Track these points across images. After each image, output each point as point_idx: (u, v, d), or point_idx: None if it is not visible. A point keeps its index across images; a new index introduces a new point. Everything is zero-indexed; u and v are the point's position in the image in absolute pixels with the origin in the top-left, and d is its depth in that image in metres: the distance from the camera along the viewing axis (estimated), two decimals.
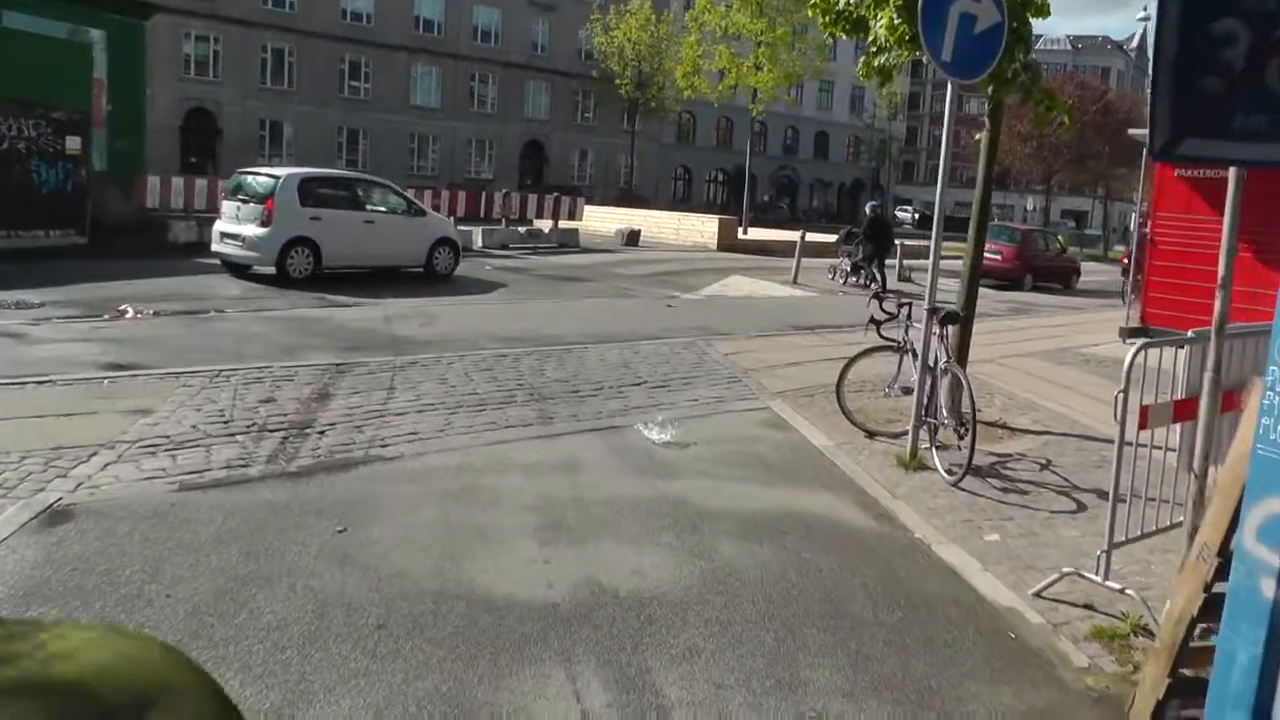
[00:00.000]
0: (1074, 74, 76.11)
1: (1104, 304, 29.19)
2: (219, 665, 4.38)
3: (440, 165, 65.17)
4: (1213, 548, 4.19)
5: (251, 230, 18.98)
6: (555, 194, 36.83)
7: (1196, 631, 4.27)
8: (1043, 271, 32.65)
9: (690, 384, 11.66)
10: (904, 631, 5.39)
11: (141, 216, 25.28)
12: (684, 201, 75.00)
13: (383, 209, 21.29)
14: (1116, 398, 5.88)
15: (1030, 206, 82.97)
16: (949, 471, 8.47)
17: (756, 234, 42.64)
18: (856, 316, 19.12)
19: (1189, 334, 6.41)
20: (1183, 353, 6.40)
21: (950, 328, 9.30)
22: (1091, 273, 39.24)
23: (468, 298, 19.29)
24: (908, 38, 9.24)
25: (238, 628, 4.82)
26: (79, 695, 0.87)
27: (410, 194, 23.97)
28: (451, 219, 26.66)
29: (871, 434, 9.79)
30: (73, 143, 21.90)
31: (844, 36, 10.32)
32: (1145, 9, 64.29)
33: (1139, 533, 6.15)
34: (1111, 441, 10.05)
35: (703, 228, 39.73)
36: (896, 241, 30.35)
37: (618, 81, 64.67)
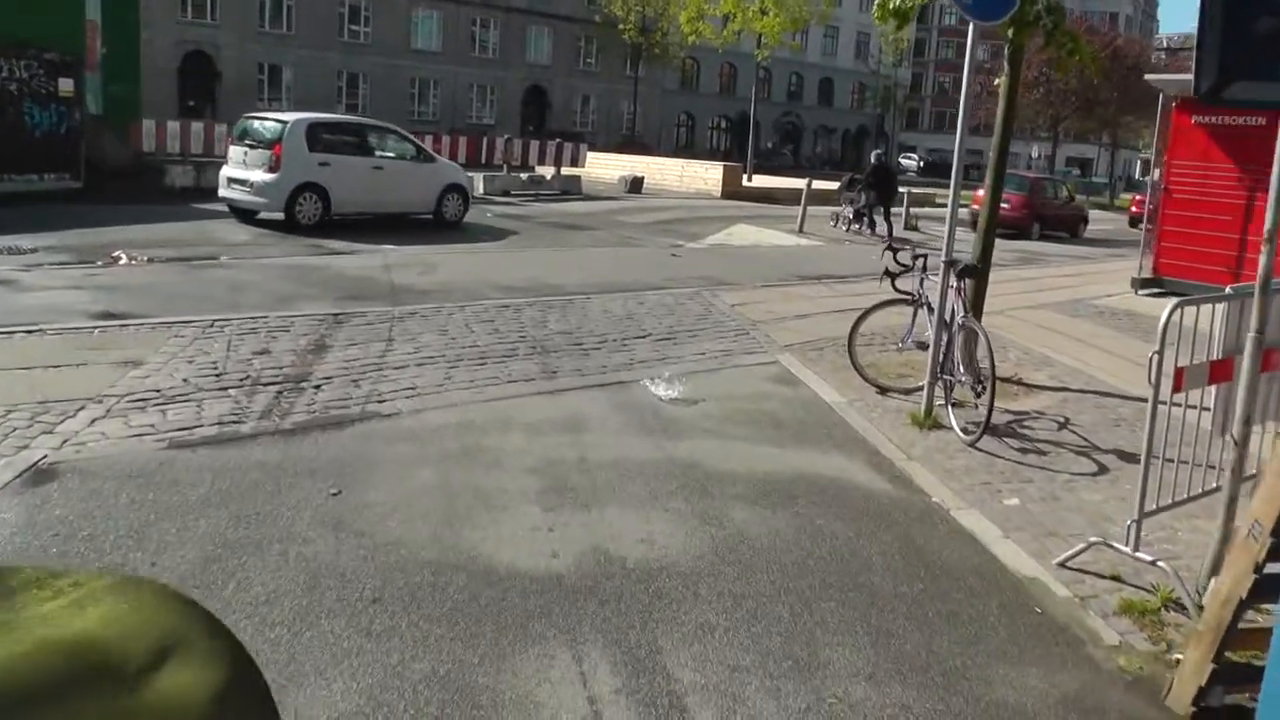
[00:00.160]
0: (1082, 19, 75.14)
1: (1112, 253, 28.86)
2: None
3: (441, 110, 64.49)
4: (1265, 526, 3.93)
5: (259, 176, 18.71)
6: (558, 140, 36.33)
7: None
8: (1051, 220, 32.27)
9: (696, 337, 11.37)
10: (925, 605, 5.14)
11: (137, 161, 24.93)
12: (687, 148, 74.41)
13: (392, 155, 21.02)
14: (1151, 359, 5.54)
15: (1035, 154, 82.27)
16: (965, 430, 8.20)
17: (761, 181, 42.20)
18: (864, 266, 18.96)
19: (1227, 290, 6.06)
20: (1219, 310, 6.03)
21: (966, 281, 8.99)
22: (1098, 221, 38.78)
23: (469, 245, 18.97)
24: None
25: (225, 601, 4.55)
26: (98, 642, 0.87)
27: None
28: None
29: (884, 390, 9.51)
30: (65, 85, 21.50)
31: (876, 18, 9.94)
32: None
33: (1169, 500, 5.86)
34: (1130, 399, 9.95)
35: (706, 175, 39.31)
36: (902, 190, 30.02)
37: (621, 26, 64.00)
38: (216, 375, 8.37)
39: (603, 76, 72.96)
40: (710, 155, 65.27)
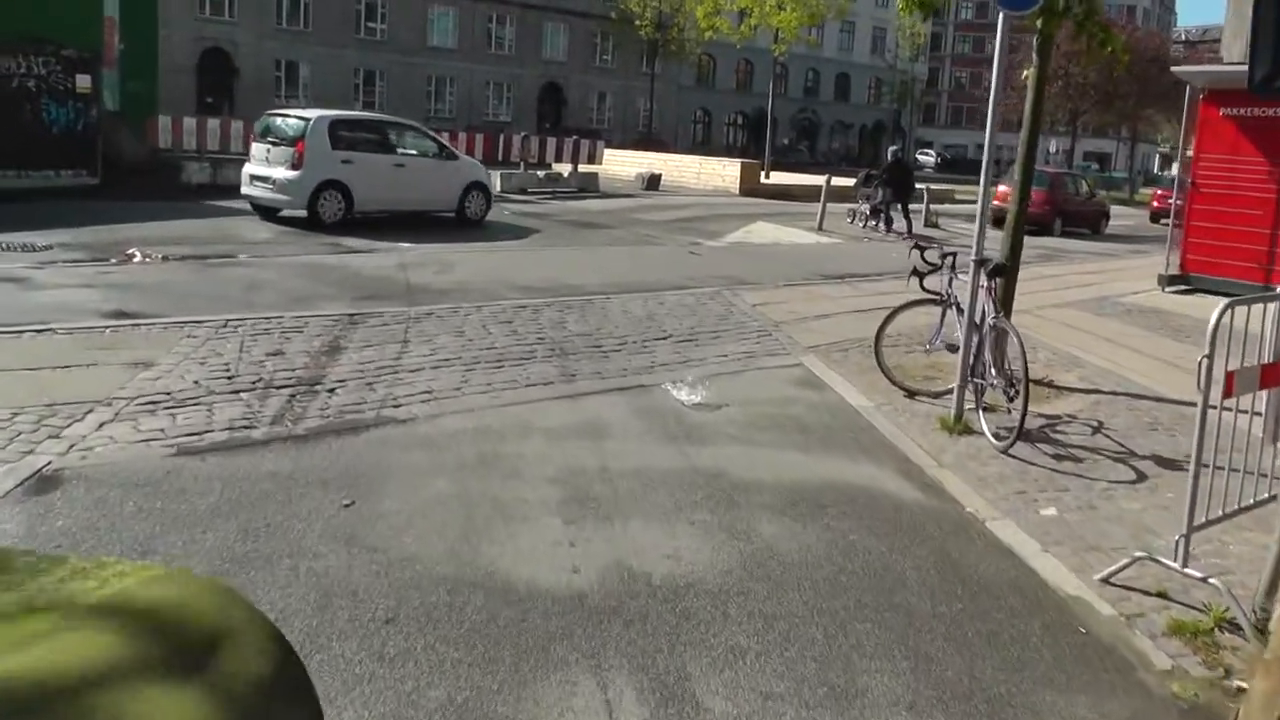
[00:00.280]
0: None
1: (1135, 249, 28.60)
2: None
3: (458, 107, 64.41)
4: None
5: (282, 173, 18.61)
6: (574, 137, 36.09)
7: None
8: (1072, 216, 31.94)
9: (719, 338, 11.14)
10: (965, 626, 4.89)
11: (154, 157, 24.85)
12: (703, 145, 74.17)
13: (414, 152, 20.95)
14: (1200, 364, 5.27)
15: (1054, 148, 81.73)
16: (996, 436, 7.94)
17: (779, 178, 41.94)
18: (885, 265, 18.73)
19: (1279, 289, 5.79)
20: (1270, 310, 5.76)
21: (997, 280, 8.73)
22: (1119, 217, 38.43)
23: (486, 244, 18.76)
24: None
25: None
26: (149, 630, 0.90)
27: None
28: None
29: (911, 393, 9.26)
30: (83, 81, 21.41)
31: None
32: None
33: (1220, 513, 5.59)
34: (1165, 401, 9.69)
35: (724, 172, 39.05)
36: (921, 186, 29.74)
37: (637, 23, 63.75)
38: (228, 377, 8.17)
39: (619, 73, 72.77)
40: (727, 152, 64.95)
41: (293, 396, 7.81)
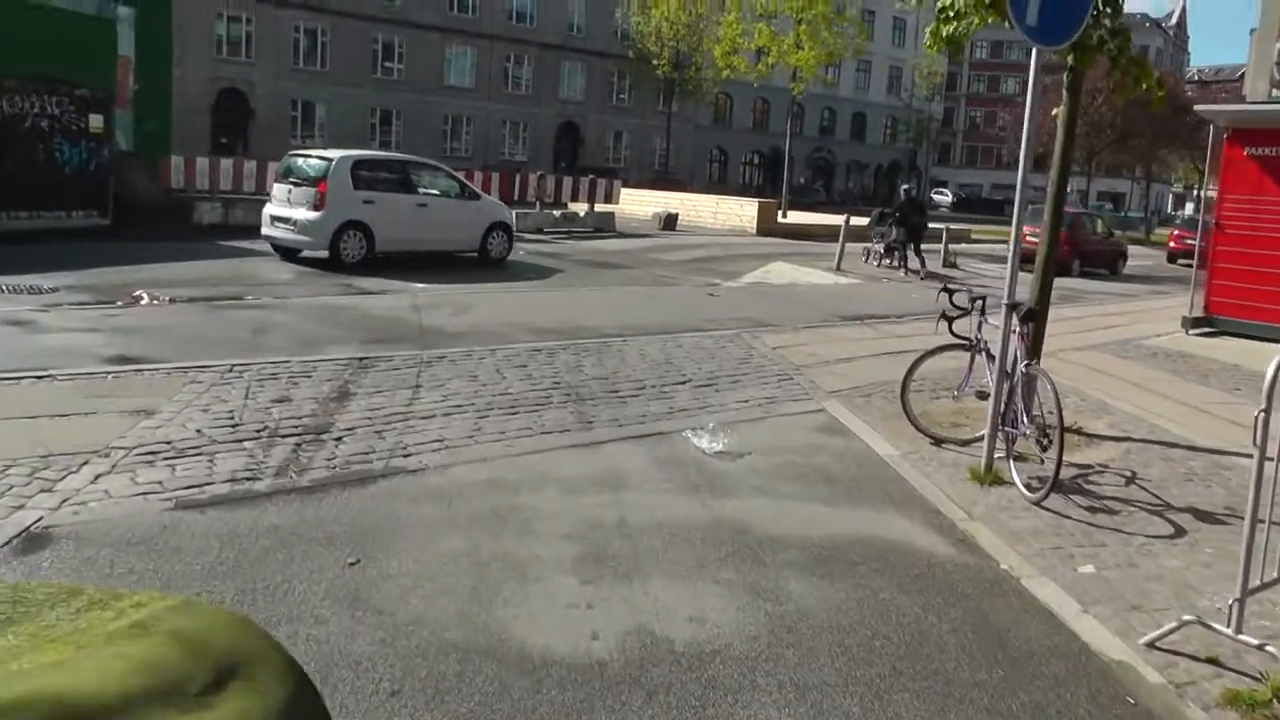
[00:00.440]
0: None
1: (1155, 290, 28.31)
2: None
3: (474, 147, 64.43)
4: None
5: (303, 214, 18.45)
6: (591, 176, 36.02)
7: None
8: (1090, 256, 31.61)
9: (739, 383, 10.86)
10: (1007, 696, 4.58)
11: (167, 197, 24.72)
12: (719, 184, 74.12)
13: (436, 192, 20.79)
14: (1256, 419, 4.97)
15: (1069, 188, 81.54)
16: (1028, 487, 7.63)
17: (796, 217, 41.73)
18: (905, 306, 18.48)
19: None
20: None
21: (1029, 325, 8.43)
22: (1136, 257, 38.06)
23: (502, 285, 18.55)
24: (988, 2, 8.38)
25: None
26: (164, 661, 0.90)
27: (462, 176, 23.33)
28: None
29: (938, 441, 8.97)
30: (95, 121, 21.28)
31: (914, 4, 9.47)
32: None
33: (1276, 575, 5.27)
34: (1198, 450, 9.37)
35: (741, 211, 38.86)
36: (941, 226, 29.55)
37: (655, 62, 63.79)
38: (232, 426, 7.91)
39: (635, 112, 72.85)
40: (742, 191, 64.95)
41: (298, 445, 7.55)
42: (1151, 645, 5.20)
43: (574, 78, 70.77)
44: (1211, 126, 17.79)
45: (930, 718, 4.33)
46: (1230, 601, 5.03)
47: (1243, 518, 7.28)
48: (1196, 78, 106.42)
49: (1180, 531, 7.07)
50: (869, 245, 28.24)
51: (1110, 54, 8.92)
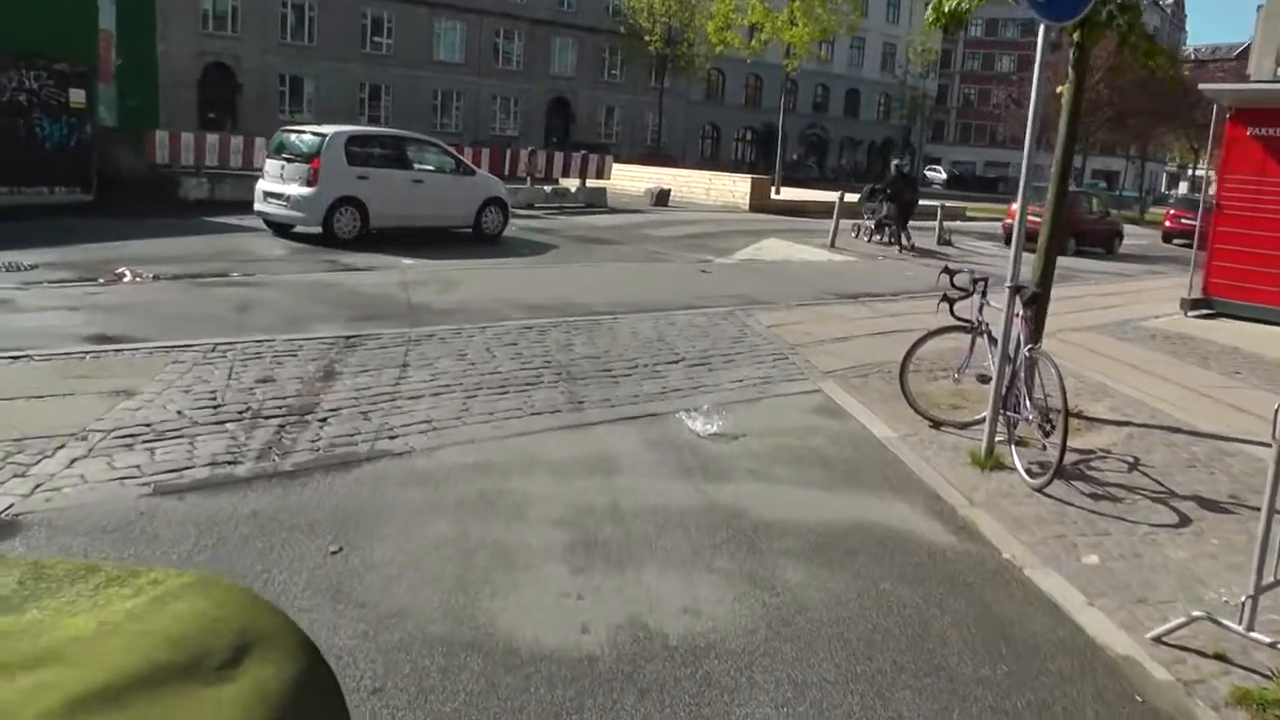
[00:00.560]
0: None
1: (1151, 270, 28.16)
2: None
3: (464, 122, 63.98)
4: None
5: (296, 190, 18.30)
6: (582, 152, 35.70)
7: None
8: (1086, 235, 31.40)
9: (733, 362, 10.66)
10: (1012, 694, 4.41)
11: (152, 173, 24.43)
12: (711, 160, 73.84)
13: (430, 167, 20.68)
14: (1277, 413, 4.77)
15: None
16: (1029, 472, 7.46)
17: (789, 194, 41.51)
18: (900, 284, 18.30)
19: None
20: None
21: (1032, 308, 8.23)
22: (1131, 236, 37.80)
23: (492, 261, 18.28)
24: None
25: None
26: (184, 636, 0.93)
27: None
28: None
29: (937, 423, 8.78)
30: (77, 96, 20.97)
31: None
32: None
33: None
34: (1200, 435, 9.20)
35: (734, 187, 38.61)
36: (936, 203, 29.36)
37: (646, 38, 63.37)
38: (214, 407, 7.69)
39: (627, 88, 72.44)
40: (735, 167, 64.50)
41: (282, 427, 7.34)
42: (1158, 640, 5.03)
43: (565, 53, 70.31)
44: (1215, 106, 17.54)
45: (934, 717, 4.16)
46: (1243, 598, 4.86)
47: (1249, 507, 7.19)
48: (1194, 56, 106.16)
49: (1185, 521, 6.90)
50: (859, 221, 28.07)
51: (1120, 30, 8.69)
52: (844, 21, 45.74)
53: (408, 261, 16.63)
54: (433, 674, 4.13)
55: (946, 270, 8.87)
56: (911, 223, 26.61)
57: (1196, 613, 5.07)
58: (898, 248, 25.74)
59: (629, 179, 39.30)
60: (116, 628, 0.95)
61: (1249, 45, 71.67)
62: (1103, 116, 59.33)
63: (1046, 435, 7.59)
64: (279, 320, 11.20)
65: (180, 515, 5.61)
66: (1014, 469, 7.60)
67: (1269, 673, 4.69)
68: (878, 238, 27.03)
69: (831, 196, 27.82)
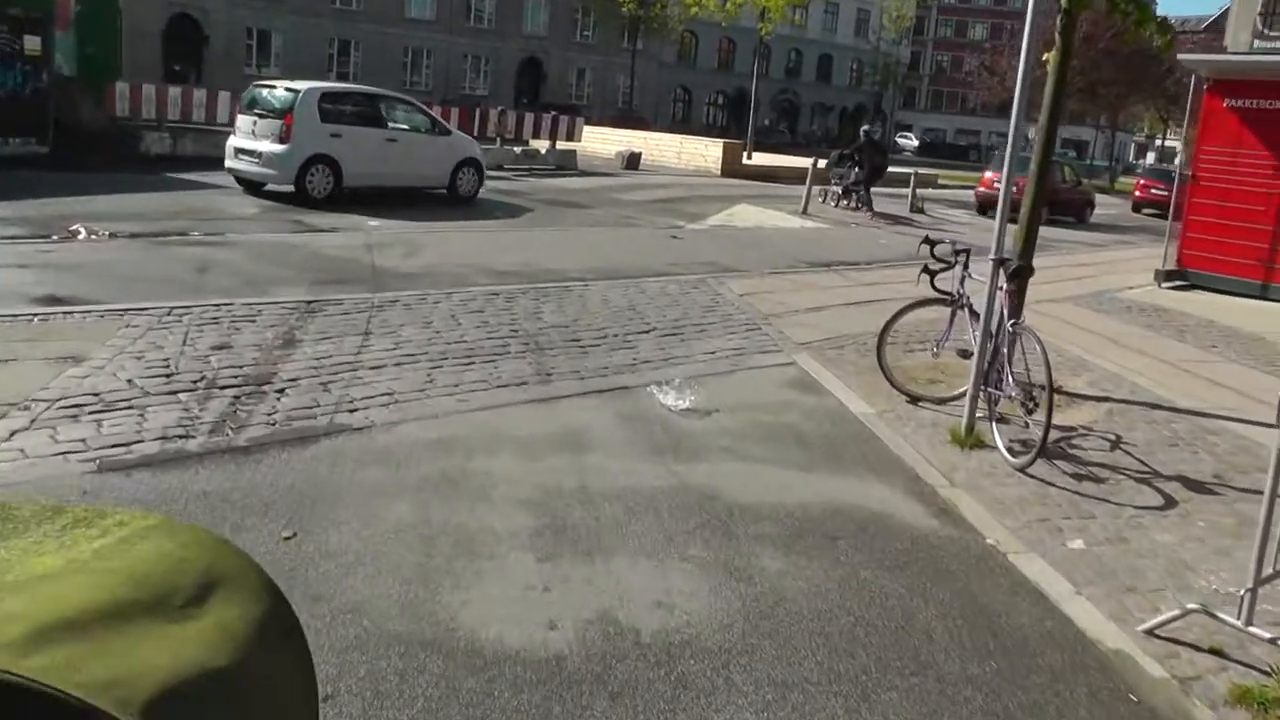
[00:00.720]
0: None
1: (1122, 240, 28.19)
2: None
3: (434, 80, 63.18)
4: None
5: (268, 146, 17.86)
6: (553, 113, 35.19)
7: None
8: (1059, 204, 31.20)
9: (705, 332, 10.41)
10: (1002, 694, 4.20)
11: (113, 126, 23.82)
12: (683, 123, 73.37)
13: (405, 127, 20.23)
14: None
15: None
16: (1011, 450, 7.25)
17: (761, 159, 41.13)
18: (874, 252, 18.08)
19: None
20: None
21: (1016, 282, 8.00)
22: (1101, 205, 37.75)
23: (460, 224, 17.92)
24: None
25: None
26: (150, 575, 0.94)
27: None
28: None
29: (915, 399, 8.57)
30: (32, 43, 20.26)
31: None
32: None
33: None
34: (1180, 412, 9.02)
35: (706, 152, 38.22)
36: (909, 170, 29.18)
37: None
38: (167, 376, 7.37)
39: (599, 49, 71.75)
40: (706, 131, 64.09)
41: (237, 399, 7.03)
42: (1150, 633, 4.83)
43: (537, 12, 69.56)
44: (1193, 77, 17.33)
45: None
46: (1242, 592, 4.65)
47: (1234, 488, 7.03)
48: None
49: (1170, 502, 6.72)
50: (826, 186, 27.86)
51: None
52: None
53: (373, 223, 16.24)
54: (389, 677, 3.86)
55: (927, 241, 8.61)
56: (883, 190, 26.45)
57: (1191, 605, 4.88)
58: (868, 213, 25.58)
59: (600, 141, 38.85)
60: (84, 565, 0.95)
61: (1217, 17, 71.62)
62: (1074, 86, 59.24)
63: (1030, 413, 7.39)
64: (239, 283, 10.83)
65: (126, 494, 5.31)
66: (995, 447, 7.40)
67: (1269, 669, 4.50)
68: (845, 203, 26.99)
69: (804, 162, 27.60)
